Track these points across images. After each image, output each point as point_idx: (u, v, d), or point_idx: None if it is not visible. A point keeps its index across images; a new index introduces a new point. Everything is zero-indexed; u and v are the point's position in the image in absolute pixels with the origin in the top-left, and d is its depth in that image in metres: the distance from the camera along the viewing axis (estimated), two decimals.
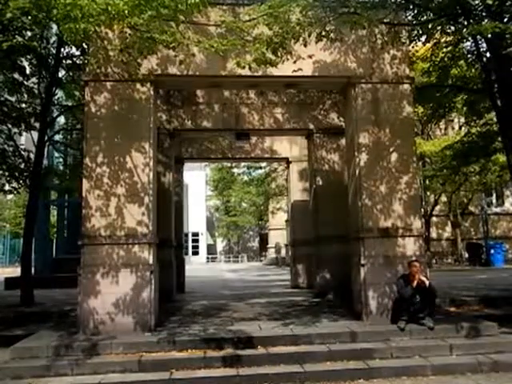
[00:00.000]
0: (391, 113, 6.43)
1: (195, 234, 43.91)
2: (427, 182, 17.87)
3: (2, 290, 12.16)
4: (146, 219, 5.90)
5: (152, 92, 6.15)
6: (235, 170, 28.98)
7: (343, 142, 8.56)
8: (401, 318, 5.67)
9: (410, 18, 6.79)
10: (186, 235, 39.18)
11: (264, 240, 40.52)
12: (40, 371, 4.77)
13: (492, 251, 18.04)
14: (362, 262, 6.11)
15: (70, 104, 10.78)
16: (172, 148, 9.71)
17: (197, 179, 42.22)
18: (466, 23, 6.12)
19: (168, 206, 9.27)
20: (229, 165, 26.07)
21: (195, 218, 41.93)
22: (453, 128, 20.71)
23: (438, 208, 20.35)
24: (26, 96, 9.52)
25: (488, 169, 15.38)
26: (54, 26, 6.58)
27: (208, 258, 44.11)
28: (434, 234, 21.79)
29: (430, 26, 6.66)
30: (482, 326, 5.65)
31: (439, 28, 6.70)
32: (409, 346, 5.25)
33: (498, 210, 23.70)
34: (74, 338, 5.41)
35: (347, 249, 6.93)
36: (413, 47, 8.32)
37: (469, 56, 8.42)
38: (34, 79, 9.20)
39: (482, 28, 5.21)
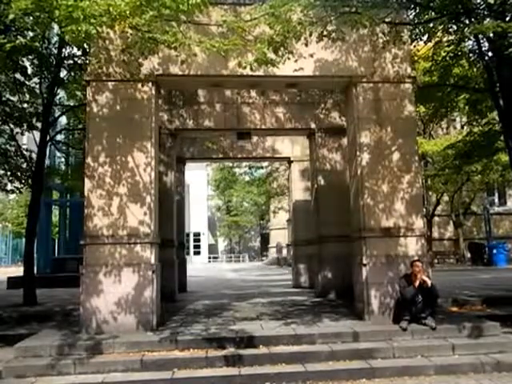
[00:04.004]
0: (393, 112, 6.43)
1: (197, 234, 43.97)
2: (429, 181, 17.84)
3: (4, 289, 12.21)
4: (148, 219, 5.91)
5: (153, 92, 6.16)
6: (237, 170, 29.03)
7: (345, 141, 8.56)
8: (403, 317, 5.66)
9: (411, 17, 6.79)
10: (188, 235, 39.25)
11: (265, 240, 40.56)
12: (43, 370, 4.79)
13: (494, 251, 17.99)
14: (364, 261, 6.11)
15: (71, 104, 10.81)
16: (173, 148, 9.73)
17: (198, 179, 42.28)
18: (467, 22, 6.11)
19: (170, 205, 9.28)
20: (230, 164, 26.11)
21: (197, 218, 42.01)
22: (455, 127, 20.67)
23: (440, 208, 20.33)
24: (27, 96, 9.54)
25: (490, 168, 15.32)
26: (56, 27, 6.59)
27: (209, 257, 44.16)
28: (436, 234, 21.77)
29: (431, 25, 6.66)
30: (484, 326, 5.64)
31: (441, 27, 6.71)
32: (411, 346, 5.25)
33: (500, 209, 23.63)
34: (76, 337, 5.43)
35: (349, 248, 6.92)
36: (414, 46, 8.32)
37: (471, 55, 8.40)
38: (35, 79, 9.21)
39: (484, 27, 5.21)
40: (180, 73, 6.14)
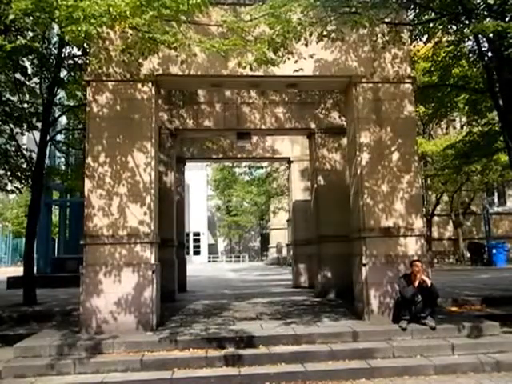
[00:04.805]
0: (393, 112, 6.43)
1: (196, 234, 43.97)
2: (429, 181, 17.87)
3: (4, 289, 12.21)
4: (148, 219, 5.91)
5: (153, 92, 6.17)
6: (236, 170, 29.04)
7: (345, 141, 8.57)
8: (402, 317, 5.67)
9: (411, 17, 6.80)
10: (188, 235, 39.26)
11: (265, 240, 40.58)
12: (43, 370, 4.79)
13: (494, 251, 17.99)
14: (364, 261, 6.12)
15: (71, 104, 10.81)
16: (173, 148, 9.73)
17: (198, 179, 42.28)
18: (467, 22, 6.11)
19: (169, 205, 9.28)
20: (230, 164, 26.11)
21: (196, 218, 42.00)
22: (454, 127, 20.69)
23: (439, 207, 20.34)
24: (27, 96, 9.54)
25: (490, 168, 15.35)
26: (56, 27, 6.60)
27: (209, 257, 44.16)
28: (435, 234, 21.78)
29: (431, 26, 6.67)
30: (483, 326, 5.65)
31: (441, 27, 6.71)
32: (410, 346, 5.25)
33: (499, 209, 23.66)
34: (76, 337, 5.43)
35: (349, 248, 6.93)
36: (414, 46, 8.33)
37: (470, 55, 8.41)
38: (35, 79, 9.21)
39: (484, 27, 5.21)
40: (180, 73, 6.15)
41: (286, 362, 4.93)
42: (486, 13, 6.06)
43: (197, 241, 44.42)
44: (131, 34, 5.11)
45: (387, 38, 6.05)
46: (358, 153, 6.39)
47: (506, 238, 20.84)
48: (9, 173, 9.76)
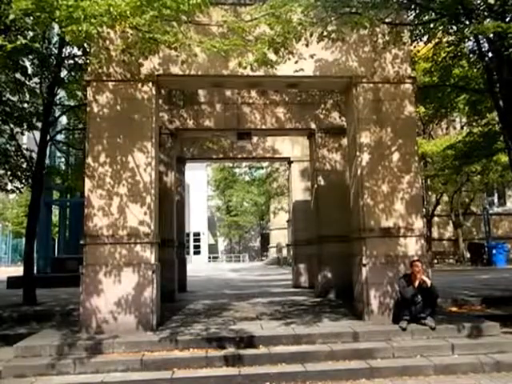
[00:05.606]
0: (393, 112, 6.44)
1: (197, 234, 44.00)
2: (429, 181, 17.87)
3: (4, 289, 12.21)
4: (148, 219, 5.92)
5: (154, 92, 6.17)
6: (237, 170, 29.10)
7: (345, 141, 8.57)
8: (402, 317, 5.67)
9: (411, 17, 6.79)
10: (188, 235, 39.26)
11: (265, 240, 40.59)
12: (43, 370, 4.79)
13: (494, 251, 18.00)
14: (364, 261, 6.12)
15: (72, 104, 10.81)
16: (174, 148, 9.73)
17: (198, 179, 42.30)
18: (467, 23, 6.11)
19: (170, 205, 9.28)
20: (230, 165, 26.17)
21: (196, 218, 42.04)
22: (454, 128, 20.68)
23: (439, 208, 20.34)
24: (28, 96, 9.54)
25: (490, 169, 15.36)
26: (56, 27, 6.60)
27: (209, 257, 44.19)
28: (435, 234, 21.78)
29: (431, 26, 6.66)
30: (483, 326, 5.65)
31: (441, 28, 6.71)
32: (410, 346, 5.25)
33: (499, 209, 23.66)
34: (76, 337, 5.43)
35: (349, 248, 6.93)
36: (414, 47, 8.33)
37: (471, 56, 8.41)
38: (36, 79, 9.21)
39: (484, 27, 5.21)
40: (180, 73, 6.15)
41: (286, 362, 4.93)
42: (486, 13, 6.06)
43: (197, 241, 44.44)
44: (131, 34, 5.12)
45: (388, 38, 6.05)
46: (358, 153, 6.39)
47: (505, 239, 20.84)
48: (9, 173, 9.75)
